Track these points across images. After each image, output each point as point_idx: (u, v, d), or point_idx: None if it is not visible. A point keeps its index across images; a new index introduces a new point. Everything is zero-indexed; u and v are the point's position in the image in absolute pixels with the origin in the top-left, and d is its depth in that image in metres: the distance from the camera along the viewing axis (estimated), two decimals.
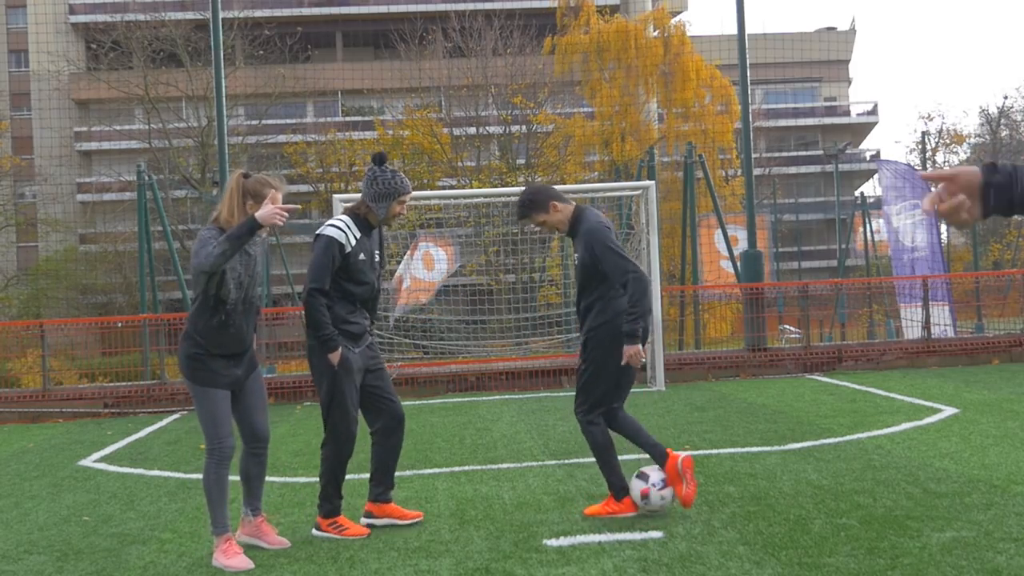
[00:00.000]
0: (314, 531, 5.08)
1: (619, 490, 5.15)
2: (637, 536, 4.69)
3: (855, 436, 7.33)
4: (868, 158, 52.08)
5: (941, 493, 5.26)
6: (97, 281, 35.12)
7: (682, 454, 5.12)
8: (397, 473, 5.35)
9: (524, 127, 30.90)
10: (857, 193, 32.43)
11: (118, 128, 37.61)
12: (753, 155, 14.98)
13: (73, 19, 43.90)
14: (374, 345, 5.24)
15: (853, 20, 65.19)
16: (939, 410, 8.55)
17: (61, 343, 15.14)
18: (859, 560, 4.13)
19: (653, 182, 12.42)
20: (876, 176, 27.68)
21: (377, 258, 5.19)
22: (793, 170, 49.31)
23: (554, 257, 19.77)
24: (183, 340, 4.70)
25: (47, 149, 38.11)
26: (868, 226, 24.72)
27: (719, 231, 16.74)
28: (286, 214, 4.49)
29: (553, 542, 4.66)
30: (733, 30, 14.85)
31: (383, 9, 44.97)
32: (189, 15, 33.73)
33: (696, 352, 14.14)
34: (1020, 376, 11.21)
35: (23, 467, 8.04)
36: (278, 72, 34.06)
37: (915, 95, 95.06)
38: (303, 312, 5.00)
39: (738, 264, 14.79)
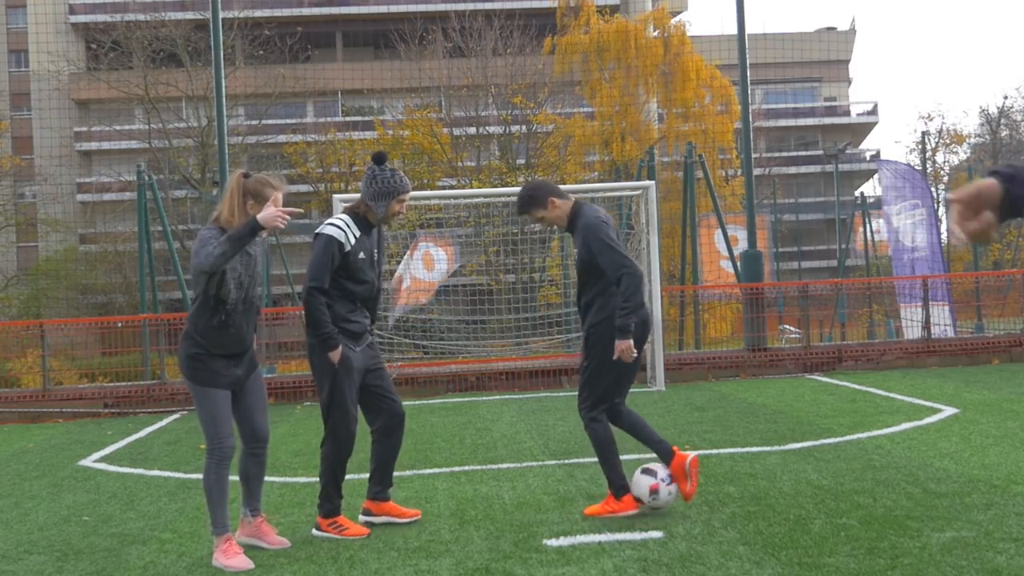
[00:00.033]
0: (314, 531, 5.07)
1: (619, 488, 5.15)
2: (637, 536, 4.69)
3: (855, 436, 7.33)
4: (868, 158, 52.09)
5: (941, 493, 5.26)
6: (97, 281, 35.12)
7: (691, 453, 5.14)
8: (397, 473, 5.35)
9: (524, 127, 30.91)
10: (857, 193, 32.43)
11: (118, 128, 37.62)
12: (753, 155, 14.98)
13: (73, 19, 43.91)
14: (374, 344, 5.24)
15: (853, 20, 65.26)
16: (939, 410, 8.55)
17: (61, 343, 15.15)
18: (859, 560, 4.13)
19: (653, 182, 12.42)
20: (876, 176, 27.69)
21: (377, 257, 5.19)
22: (793, 170, 49.32)
23: (554, 257, 19.77)
24: (183, 340, 4.70)
25: (47, 149, 38.12)
26: (868, 226, 24.72)
27: (719, 231, 16.74)
28: (288, 217, 4.49)
29: (553, 542, 4.66)
30: (733, 30, 14.86)
31: (383, 9, 44.98)
32: (189, 15, 33.73)
33: (696, 352, 14.14)
34: (1020, 376, 11.21)
35: (23, 467, 8.04)
36: (278, 72, 34.07)
37: (915, 95, 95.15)
38: (303, 311, 5.00)
39: (738, 264, 14.79)
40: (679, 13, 41.64)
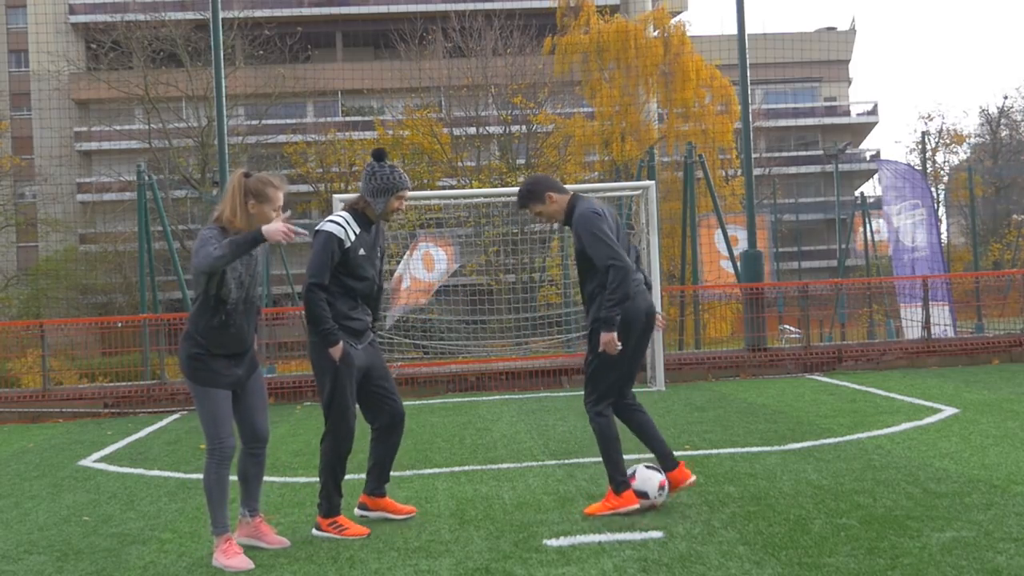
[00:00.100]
0: (314, 531, 5.08)
1: (619, 484, 5.15)
2: (637, 536, 4.69)
3: (855, 436, 7.33)
4: (868, 158, 52.10)
5: (941, 493, 5.26)
6: (97, 281, 35.11)
7: (693, 477, 5.34)
8: (397, 473, 5.36)
9: (524, 127, 30.91)
10: (857, 193, 32.43)
11: (118, 128, 37.61)
12: (753, 155, 14.98)
13: (73, 19, 43.90)
14: (376, 343, 5.24)
15: (853, 20, 65.24)
16: (939, 410, 8.55)
17: (61, 343, 15.14)
18: (859, 560, 4.13)
19: (653, 182, 12.42)
20: (876, 176, 27.69)
21: (379, 254, 5.20)
22: (793, 170, 49.32)
23: (554, 257, 19.76)
24: (184, 340, 4.70)
25: (47, 149, 38.11)
26: (868, 226, 24.71)
27: (719, 231, 16.74)
28: (292, 235, 4.47)
29: (553, 542, 4.66)
30: (733, 30, 14.86)
31: (383, 9, 44.98)
32: (189, 15, 33.72)
33: (696, 352, 14.14)
34: (1020, 376, 11.20)
35: (23, 467, 8.04)
36: (278, 72, 34.06)
37: (915, 95, 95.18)
38: (303, 308, 4.99)
39: (738, 264, 14.79)
40: (679, 13, 41.65)
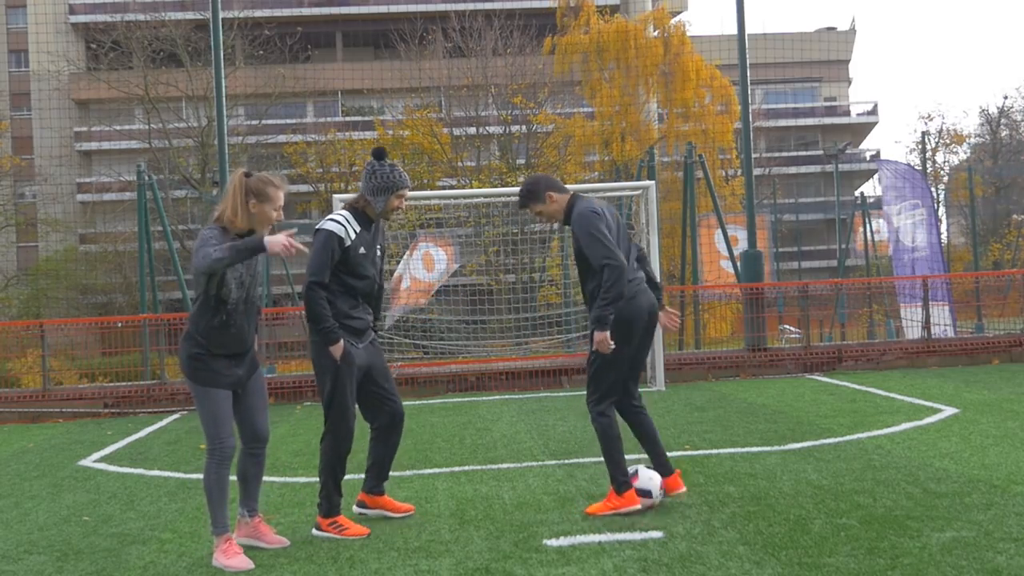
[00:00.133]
0: (314, 531, 5.08)
1: (621, 484, 5.15)
2: (637, 536, 4.69)
3: (855, 436, 7.33)
4: (868, 158, 52.10)
5: (941, 493, 5.26)
6: (97, 281, 35.12)
7: (684, 488, 5.37)
8: (397, 473, 5.36)
9: (524, 127, 30.91)
10: (857, 193, 32.44)
11: (118, 128, 37.62)
12: (753, 155, 14.98)
13: (73, 19, 43.90)
14: (377, 342, 5.25)
15: (853, 20, 65.24)
16: (939, 410, 8.55)
17: (61, 343, 15.14)
18: (859, 560, 4.13)
19: (653, 182, 12.42)
20: (876, 176, 27.70)
21: (379, 252, 5.20)
22: (793, 170, 49.32)
23: (554, 257, 19.76)
24: (184, 340, 4.70)
25: (47, 149, 38.11)
26: (868, 226, 24.72)
27: (719, 231, 16.74)
28: (292, 250, 4.46)
29: (553, 542, 4.66)
30: (733, 30, 14.86)
31: (383, 9, 44.98)
32: (189, 15, 33.72)
33: (696, 352, 14.14)
34: (1020, 376, 11.21)
35: (23, 467, 8.04)
36: (278, 72, 34.06)
37: (915, 95, 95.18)
38: (304, 307, 4.99)
39: (738, 264, 14.79)
40: (679, 13, 41.65)
